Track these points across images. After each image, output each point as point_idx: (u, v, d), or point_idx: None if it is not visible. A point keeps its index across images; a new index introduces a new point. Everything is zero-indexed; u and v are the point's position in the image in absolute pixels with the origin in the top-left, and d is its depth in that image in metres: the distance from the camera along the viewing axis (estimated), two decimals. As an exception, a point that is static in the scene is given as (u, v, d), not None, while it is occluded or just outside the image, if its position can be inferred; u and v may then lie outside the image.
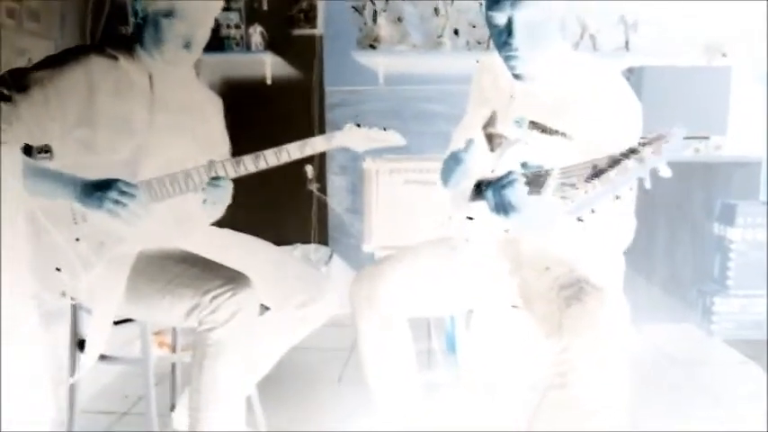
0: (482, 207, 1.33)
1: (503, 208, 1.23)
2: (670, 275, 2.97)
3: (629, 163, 0.94)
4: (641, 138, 0.98)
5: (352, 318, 1.50)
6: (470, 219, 1.45)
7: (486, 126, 1.48)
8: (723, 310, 2.80)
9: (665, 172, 0.94)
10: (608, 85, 1.39)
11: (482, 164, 1.44)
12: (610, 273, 1.37)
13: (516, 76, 1.44)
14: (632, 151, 0.95)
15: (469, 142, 1.44)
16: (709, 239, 2.94)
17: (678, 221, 2.93)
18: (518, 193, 1.20)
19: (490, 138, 1.47)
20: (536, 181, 1.15)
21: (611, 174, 0.96)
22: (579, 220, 1.03)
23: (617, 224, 1.36)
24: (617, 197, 0.98)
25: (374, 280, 1.46)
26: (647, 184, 0.95)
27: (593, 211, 1.00)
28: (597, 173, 0.98)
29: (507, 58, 1.40)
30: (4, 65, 2.57)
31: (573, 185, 1.02)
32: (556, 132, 1.35)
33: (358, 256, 3.13)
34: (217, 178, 1.50)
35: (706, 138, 2.83)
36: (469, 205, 1.44)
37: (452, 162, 1.47)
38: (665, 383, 2.27)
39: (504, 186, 1.21)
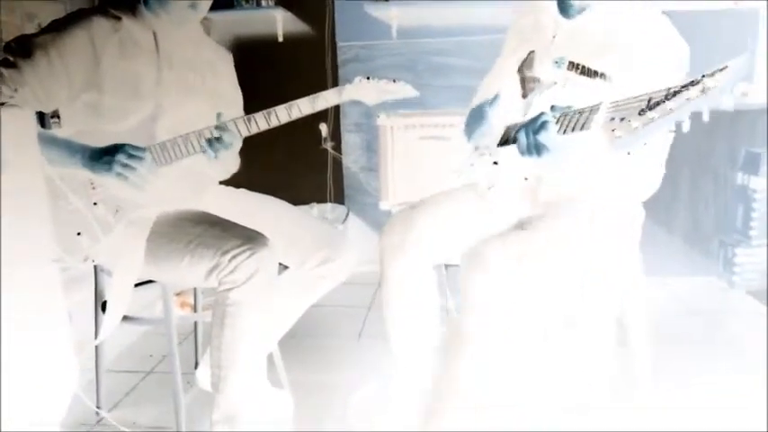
0: (508, 153, 1.31)
1: (535, 149, 1.21)
2: (692, 226, 2.93)
3: (689, 93, 0.91)
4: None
5: (380, 264, 1.50)
6: (496, 164, 1.43)
7: (521, 68, 1.45)
8: (745, 261, 2.76)
9: (727, 103, 0.91)
10: (654, 27, 1.35)
11: (512, 109, 1.41)
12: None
13: (565, 9, 1.39)
14: (693, 83, 0.92)
15: (496, 96, 1.41)
16: (732, 189, 2.88)
17: (701, 171, 2.87)
18: (551, 134, 1.19)
19: (524, 82, 1.43)
20: (580, 118, 1.13)
21: (669, 105, 0.92)
22: (628, 153, 1.01)
23: (645, 170, 1.34)
24: (672, 131, 0.95)
25: (407, 225, 1.47)
26: (705, 117, 0.92)
27: (645, 144, 0.97)
28: (653, 105, 0.94)
29: None
30: (15, 30, 2.55)
31: (624, 119, 0.99)
32: (595, 74, 1.31)
33: (375, 215, 3.13)
34: (221, 139, 1.48)
35: (731, 85, 2.74)
36: (497, 150, 1.42)
37: (477, 116, 1.44)
38: (687, 335, 2.26)
39: (536, 130, 1.20)
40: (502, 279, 1.27)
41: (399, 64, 3.15)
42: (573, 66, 1.32)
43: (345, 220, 3.12)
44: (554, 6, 1.42)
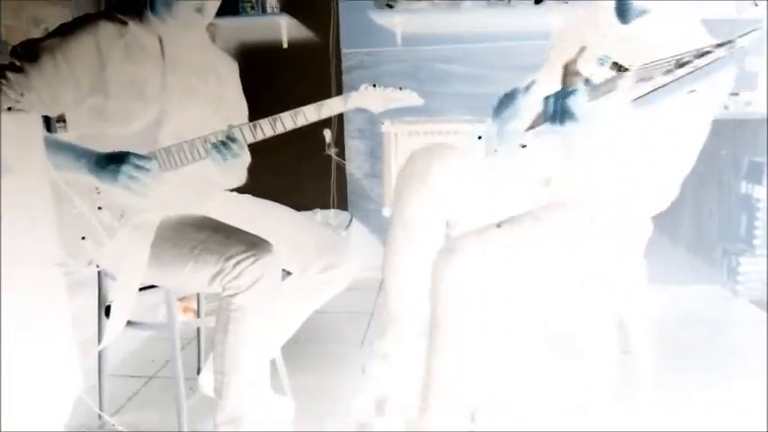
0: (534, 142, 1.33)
1: (560, 116, 1.22)
2: (695, 235, 2.93)
3: (718, 52, 0.92)
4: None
5: (393, 205, 1.49)
6: (524, 146, 1.44)
7: (568, 64, 1.46)
8: (749, 270, 2.76)
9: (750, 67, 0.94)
10: (701, 38, 1.35)
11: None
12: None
13: (623, 13, 1.41)
14: (723, 44, 0.93)
15: (531, 83, 1.42)
16: (736, 198, 2.88)
17: (705, 180, 2.87)
18: (579, 102, 1.19)
19: (566, 76, 1.44)
20: (610, 82, 1.14)
21: (696, 62, 0.94)
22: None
23: (656, 185, 1.34)
24: (691, 91, 0.96)
25: (429, 159, 1.48)
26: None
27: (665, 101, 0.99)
28: (681, 65, 0.95)
29: None
30: (21, 35, 2.57)
31: (650, 79, 1.00)
32: None
33: (378, 221, 3.13)
34: (228, 145, 1.49)
35: (735, 94, 2.74)
36: (525, 134, 1.43)
37: (508, 99, 1.46)
38: (690, 342, 2.25)
39: (566, 95, 1.20)
40: (476, 274, 1.27)
41: (404, 71, 3.16)
42: (616, 66, 1.34)
43: (348, 226, 3.12)
44: (612, 8, 1.44)
